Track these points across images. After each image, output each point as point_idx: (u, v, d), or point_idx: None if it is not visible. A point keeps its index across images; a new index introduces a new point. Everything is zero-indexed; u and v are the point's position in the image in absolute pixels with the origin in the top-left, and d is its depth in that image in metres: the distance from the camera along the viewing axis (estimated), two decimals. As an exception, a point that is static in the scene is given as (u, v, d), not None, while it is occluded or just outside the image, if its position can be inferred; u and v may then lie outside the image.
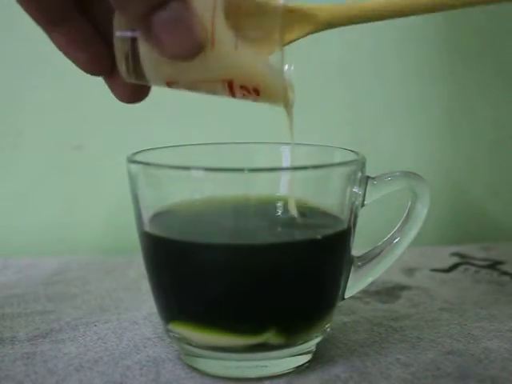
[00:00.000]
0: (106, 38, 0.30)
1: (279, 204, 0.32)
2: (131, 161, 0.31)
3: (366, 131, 0.59)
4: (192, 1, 0.26)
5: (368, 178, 0.32)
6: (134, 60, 0.28)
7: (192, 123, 0.57)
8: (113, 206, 0.57)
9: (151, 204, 0.31)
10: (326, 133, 0.57)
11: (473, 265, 0.49)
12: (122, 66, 0.29)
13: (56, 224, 0.57)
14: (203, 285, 0.30)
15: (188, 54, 0.26)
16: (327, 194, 0.32)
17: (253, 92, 0.28)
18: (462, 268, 0.48)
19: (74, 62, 0.31)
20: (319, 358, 0.33)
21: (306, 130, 0.56)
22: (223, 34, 0.26)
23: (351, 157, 0.32)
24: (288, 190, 0.31)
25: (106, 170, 0.56)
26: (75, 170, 0.57)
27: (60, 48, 0.30)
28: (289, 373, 0.31)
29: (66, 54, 0.30)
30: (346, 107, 0.59)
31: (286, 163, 0.36)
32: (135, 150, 0.32)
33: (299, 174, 0.31)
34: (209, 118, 0.57)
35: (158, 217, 0.31)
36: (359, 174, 0.31)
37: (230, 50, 0.27)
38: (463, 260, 0.50)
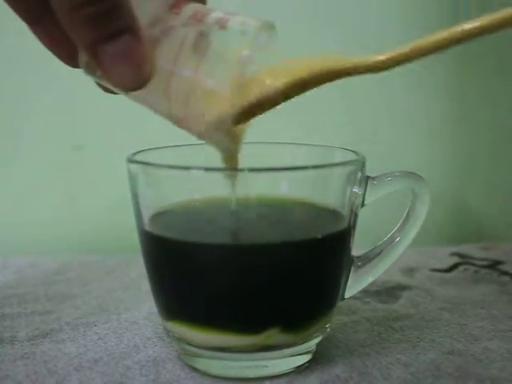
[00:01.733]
0: None
1: (279, 204, 0.32)
2: (131, 161, 0.31)
3: (366, 131, 0.59)
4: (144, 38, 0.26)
5: (368, 177, 0.32)
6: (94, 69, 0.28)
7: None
8: (113, 206, 0.57)
9: (151, 204, 0.31)
10: (325, 133, 0.57)
11: (473, 265, 0.49)
12: (83, 65, 0.29)
13: (56, 224, 0.57)
14: (203, 284, 0.30)
15: (132, 87, 0.27)
16: (327, 194, 0.32)
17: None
18: (461, 268, 0.48)
19: (56, 56, 0.30)
20: (319, 358, 0.33)
21: (305, 130, 0.57)
22: (180, 84, 0.27)
23: (351, 157, 0.32)
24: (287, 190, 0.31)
25: (106, 170, 0.56)
26: (75, 170, 0.57)
27: (43, 43, 0.30)
28: (289, 373, 0.31)
29: (49, 48, 0.30)
30: (346, 107, 0.59)
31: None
32: (135, 150, 0.32)
33: (299, 174, 0.31)
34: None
35: (158, 216, 0.31)
36: (359, 174, 0.31)
37: (182, 100, 0.27)
38: (463, 260, 0.50)
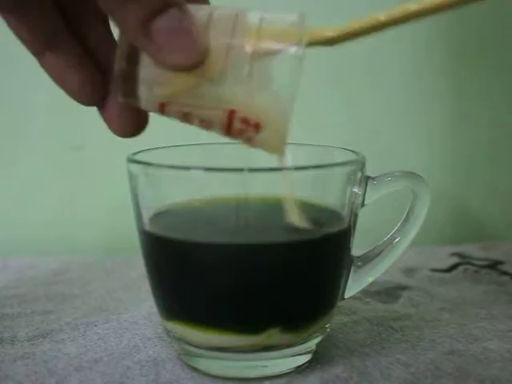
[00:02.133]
0: (99, 65, 0.29)
1: (279, 204, 0.32)
2: (131, 161, 0.31)
3: (366, 131, 0.59)
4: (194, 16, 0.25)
5: (368, 178, 0.32)
6: (130, 77, 0.27)
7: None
8: (113, 206, 0.57)
9: (151, 204, 0.31)
10: (325, 133, 0.57)
11: (473, 265, 0.49)
12: (115, 83, 0.27)
13: (56, 224, 0.57)
14: (203, 284, 0.30)
15: (189, 62, 0.25)
16: (327, 194, 0.32)
17: (253, 127, 0.26)
18: (461, 268, 0.48)
19: (63, 88, 0.29)
20: (319, 358, 0.33)
21: (305, 130, 0.57)
22: (238, 60, 0.26)
23: (351, 157, 0.32)
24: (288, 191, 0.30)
25: (106, 170, 0.56)
26: (75, 170, 0.57)
27: (49, 73, 0.29)
28: (289, 373, 0.31)
29: (56, 79, 0.29)
30: (346, 107, 0.59)
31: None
32: (135, 150, 0.32)
33: (299, 174, 0.31)
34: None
35: (158, 216, 0.31)
36: (359, 174, 0.31)
37: (243, 78, 0.26)
38: (463, 260, 0.50)
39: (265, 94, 0.26)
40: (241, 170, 0.29)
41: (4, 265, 0.50)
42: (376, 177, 0.33)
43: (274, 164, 0.31)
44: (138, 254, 0.33)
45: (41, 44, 0.29)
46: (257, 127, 0.26)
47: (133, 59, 0.27)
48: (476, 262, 0.49)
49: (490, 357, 0.33)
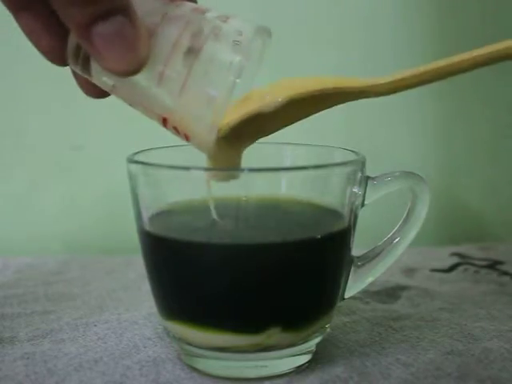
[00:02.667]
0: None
1: (279, 204, 0.32)
2: (131, 161, 0.31)
3: (365, 131, 0.59)
4: (140, 21, 0.25)
5: (368, 178, 0.32)
6: (85, 56, 0.27)
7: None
8: (112, 206, 0.57)
9: (151, 204, 0.31)
10: (325, 133, 0.57)
11: (472, 265, 0.49)
12: (71, 54, 0.28)
13: (56, 224, 0.57)
14: (203, 284, 0.30)
15: (126, 71, 0.26)
16: (327, 194, 0.32)
17: (183, 136, 0.28)
18: (461, 268, 0.48)
19: (36, 47, 0.29)
20: (319, 358, 0.33)
21: (305, 130, 0.57)
22: (175, 72, 0.26)
23: (351, 157, 0.32)
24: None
25: (106, 170, 0.56)
26: (75, 170, 0.57)
27: (24, 31, 0.29)
28: (289, 373, 0.31)
29: (30, 38, 0.29)
30: (345, 107, 0.59)
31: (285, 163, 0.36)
32: (135, 150, 0.32)
33: (299, 174, 0.31)
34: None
35: (157, 216, 0.31)
36: (359, 174, 0.31)
37: (175, 91, 0.26)
38: (463, 260, 0.50)
39: (195, 109, 0.27)
40: (241, 169, 0.29)
41: (4, 265, 0.50)
42: (376, 177, 0.33)
43: (274, 164, 0.31)
44: (138, 254, 0.33)
45: (16, 3, 0.29)
46: (186, 137, 0.28)
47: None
48: (476, 262, 0.49)
49: (490, 357, 0.33)
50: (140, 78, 0.26)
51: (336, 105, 0.30)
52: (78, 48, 0.27)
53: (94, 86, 0.29)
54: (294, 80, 0.30)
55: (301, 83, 0.29)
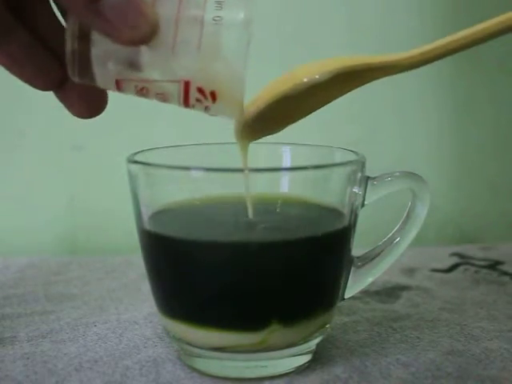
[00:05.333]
0: (52, 50, 0.29)
1: (279, 203, 0.32)
2: (131, 161, 0.31)
3: (366, 131, 0.59)
4: None
5: (368, 178, 0.32)
6: (84, 57, 0.27)
7: (192, 123, 0.57)
8: (112, 206, 0.57)
9: (151, 203, 0.31)
10: (326, 133, 0.57)
11: (473, 265, 0.49)
12: (70, 64, 0.27)
13: (56, 224, 0.57)
14: (203, 282, 0.30)
15: (140, 36, 0.25)
16: (327, 194, 0.32)
17: (209, 96, 0.27)
18: (461, 268, 0.48)
19: (20, 78, 0.29)
20: (319, 358, 0.33)
21: (306, 129, 0.57)
22: (187, 32, 0.26)
23: (351, 157, 0.32)
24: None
25: (105, 170, 0.56)
26: (75, 170, 0.57)
27: (4, 66, 0.29)
28: (289, 373, 0.31)
29: (11, 71, 0.29)
30: (346, 107, 0.59)
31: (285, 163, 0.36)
32: (135, 150, 0.32)
33: (299, 174, 0.31)
34: (209, 118, 0.57)
35: (157, 215, 0.31)
36: (359, 174, 0.31)
37: (193, 49, 0.26)
38: (463, 260, 0.50)
39: (216, 63, 0.27)
40: (241, 170, 0.29)
41: (4, 265, 0.50)
42: (376, 177, 0.33)
43: (274, 164, 0.31)
44: (138, 254, 0.33)
45: None
46: (213, 96, 0.27)
47: (84, 38, 0.27)
48: (476, 262, 0.49)
49: (490, 357, 0.33)
50: (154, 46, 0.26)
51: (367, 83, 0.30)
52: (74, 53, 0.27)
53: (86, 103, 0.30)
54: (319, 61, 0.30)
55: (330, 62, 0.29)
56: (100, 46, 0.27)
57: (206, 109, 0.28)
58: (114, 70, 0.27)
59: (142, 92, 0.28)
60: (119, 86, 0.28)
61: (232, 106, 0.28)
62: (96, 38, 0.26)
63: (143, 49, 0.26)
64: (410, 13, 0.58)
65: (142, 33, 0.25)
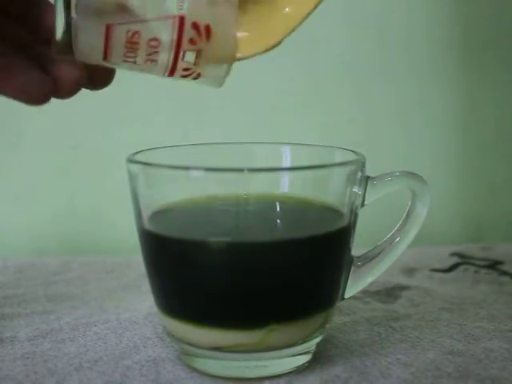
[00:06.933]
0: (34, 60, 0.28)
1: (279, 203, 0.32)
2: (131, 161, 0.31)
3: (369, 132, 0.59)
4: None
5: (368, 177, 0.32)
6: (69, 25, 0.26)
7: (192, 123, 0.57)
8: (112, 206, 0.57)
9: (151, 203, 0.31)
10: (328, 134, 0.57)
11: (473, 265, 0.49)
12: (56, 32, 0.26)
13: (56, 224, 0.57)
14: (202, 281, 0.30)
15: None
16: (327, 194, 0.32)
17: (204, 32, 0.26)
18: (461, 268, 0.48)
19: (4, 93, 0.28)
20: (319, 358, 0.33)
21: (308, 131, 0.57)
22: None
23: (351, 157, 0.32)
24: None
25: (105, 170, 0.56)
26: (75, 170, 0.57)
27: (10, 94, 0.28)
28: (289, 373, 0.31)
29: (18, 97, 0.28)
30: (349, 109, 0.59)
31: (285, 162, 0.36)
32: (135, 150, 0.32)
33: (299, 173, 0.31)
34: (209, 117, 0.57)
35: (157, 215, 0.31)
36: (359, 174, 0.31)
37: None
38: (463, 260, 0.50)
39: None
40: (241, 170, 0.29)
41: (4, 265, 0.50)
42: (376, 177, 0.33)
43: (274, 164, 0.31)
44: (138, 254, 0.33)
45: None
46: (207, 31, 0.27)
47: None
48: (476, 262, 0.49)
49: (490, 357, 0.33)
50: None
51: None
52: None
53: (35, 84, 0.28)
54: None
55: None
56: None
57: (198, 54, 0.27)
58: (105, 15, 0.26)
59: (133, 43, 0.26)
60: (108, 41, 0.26)
61: (225, 44, 0.27)
62: None
63: None
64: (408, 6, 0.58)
65: None
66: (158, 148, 0.34)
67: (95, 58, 0.27)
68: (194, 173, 0.29)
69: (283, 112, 0.57)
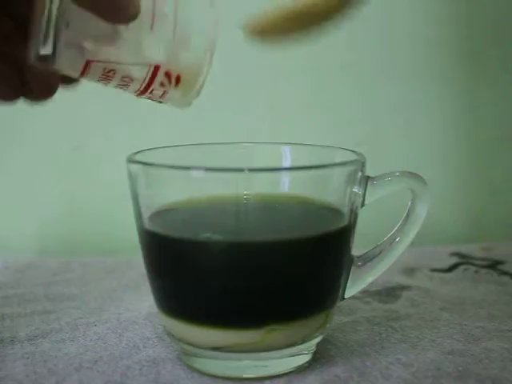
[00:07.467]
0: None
1: (279, 203, 0.32)
2: (131, 161, 0.31)
3: (370, 133, 0.59)
4: None
5: (368, 177, 0.32)
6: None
7: (192, 123, 0.57)
8: (112, 206, 0.57)
9: (151, 203, 0.31)
10: (330, 134, 0.57)
11: (473, 265, 0.49)
12: (35, 44, 0.27)
13: (56, 224, 0.57)
14: (202, 281, 0.30)
15: (126, 15, 0.26)
16: (327, 194, 0.32)
17: (174, 80, 0.28)
18: (461, 268, 0.48)
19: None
20: (319, 358, 0.33)
21: (310, 131, 0.57)
22: (164, 16, 0.27)
23: (351, 157, 0.32)
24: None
25: (105, 170, 0.56)
26: (75, 170, 0.57)
27: None
28: (289, 373, 0.31)
29: None
30: (350, 109, 0.59)
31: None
32: (135, 150, 0.32)
33: (299, 173, 0.31)
34: (209, 117, 0.57)
35: (157, 215, 0.31)
36: (359, 174, 0.31)
37: (168, 34, 0.27)
38: (463, 260, 0.50)
39: (186, 49, 0.28)
40: (241, 170, 0.29)
41: (4, 265, 0.50)
42: (376, 177, 0.33)
43: (274, 164, 0.31)
44: (138, 254, 0.33)
45: None
46: (177, 80, 0.28)
47: (56, 20, 0.26)
48: (476, 262, 0.49)
49: (489, 357, 0.33)
50: (131, 28, 0.27)
51: None
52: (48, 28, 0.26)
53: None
54: None
55: None
56: (76, 26, 0.26)
57: (163, 94, 0.29)
58: (92, 49, 0.27)
59: (109, 75, 0.28)
60: (87, 69, 0.28)
61: (191, 90, 0.29)
62: (72, 18, 0.26)
63: (122, 28, 0.27)
64: (409, 6, 0.58)
65: (126, 14, 0.26)
66: (157, 148, 0.34)
67: (71, 73, 0.28)
68: (194, 173, 0.29)
69: (283, 112, 0.57)
